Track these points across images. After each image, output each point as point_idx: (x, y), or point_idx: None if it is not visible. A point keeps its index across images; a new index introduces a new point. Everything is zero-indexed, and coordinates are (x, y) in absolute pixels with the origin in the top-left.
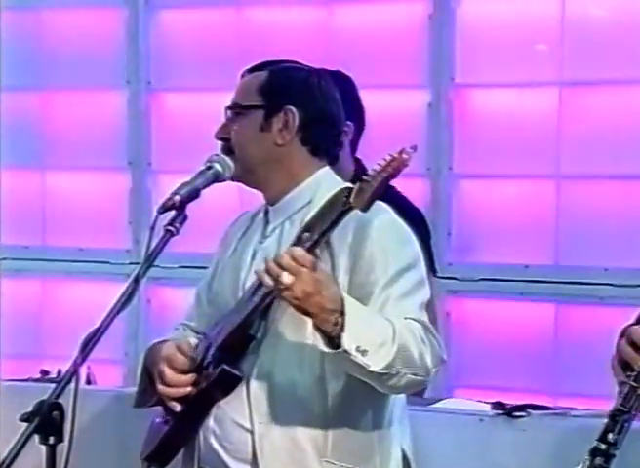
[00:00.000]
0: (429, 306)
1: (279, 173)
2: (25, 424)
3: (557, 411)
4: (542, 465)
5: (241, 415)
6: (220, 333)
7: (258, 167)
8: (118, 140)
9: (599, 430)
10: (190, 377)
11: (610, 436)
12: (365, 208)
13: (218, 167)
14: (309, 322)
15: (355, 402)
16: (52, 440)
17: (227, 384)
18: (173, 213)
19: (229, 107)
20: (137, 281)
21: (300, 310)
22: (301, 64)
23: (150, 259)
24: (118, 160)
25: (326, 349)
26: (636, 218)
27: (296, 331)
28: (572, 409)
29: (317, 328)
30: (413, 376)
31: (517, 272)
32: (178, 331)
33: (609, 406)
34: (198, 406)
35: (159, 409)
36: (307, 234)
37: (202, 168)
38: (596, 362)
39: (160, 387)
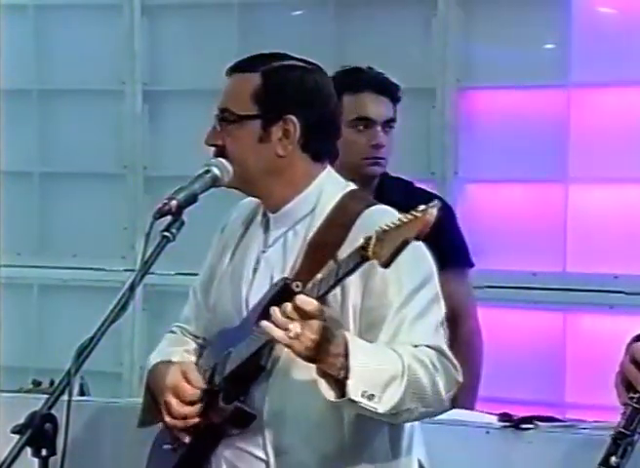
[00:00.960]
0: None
1: (280, 182)
2: (17, 436)
3: (565, 424)
4: None
5: (255, 446)
6: (226, 359)
7: (257, 178)
8: (114, 144)
9: (607, 444)
10: (198, 408)
11: (612, 459)
12: (385, 265)
13: (216, 171)
14: None
15: (372, 428)
16: (44, 452)
17: (241, 422)
18: (169, 218)
19: (221, 112)
20: (132, 289)
21: (306, 358)
22: (293, 59)
23: (146, 266)
24: (114, 164)
25: (332, 398)
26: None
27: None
28: (581, 421)
29: (321, 373)
30: (425, 409)
31: (524, 279)
32: (175, 337)
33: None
34: (209, 438)
35: (162, 430)
36: (319, 277)
37: (200, 172)
38: (606, 372)
39: (167, 419)
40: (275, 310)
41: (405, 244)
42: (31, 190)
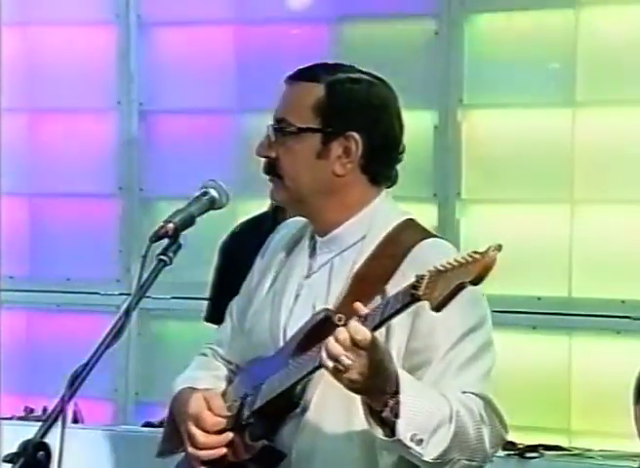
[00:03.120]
0: None
1: (333, 203)
2: (9, 465)
3: (572, 452)
4: None
5: None
6: (257, 391)
7: (310, 197)
8: (108, 165)
9: None
10: (223, 438)
11: None
12: (437, 308)
13: (214, 193)
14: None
15: None
16: None
17: (269, 461)
18: (166, 241)
19: (277, 122)
20: (128, 313)
21: (353, 390)
22: (360, 72)
23: (142, 290)
24: (108, 185)
25: (380, 436)
26: None
27: (342, 398)
28: (588, 449)
29: (368, 408)
30: (468, 462)
31: (529, 303)
32: (205, 360)
33: (628, 446)
34: None
35: (181, 463)
36: (366, 312)
37: (197, 194)
38: (613, 398)
39: (190, 450)
40: (329, 339)
41: (460, 288)
42: (23, 212)
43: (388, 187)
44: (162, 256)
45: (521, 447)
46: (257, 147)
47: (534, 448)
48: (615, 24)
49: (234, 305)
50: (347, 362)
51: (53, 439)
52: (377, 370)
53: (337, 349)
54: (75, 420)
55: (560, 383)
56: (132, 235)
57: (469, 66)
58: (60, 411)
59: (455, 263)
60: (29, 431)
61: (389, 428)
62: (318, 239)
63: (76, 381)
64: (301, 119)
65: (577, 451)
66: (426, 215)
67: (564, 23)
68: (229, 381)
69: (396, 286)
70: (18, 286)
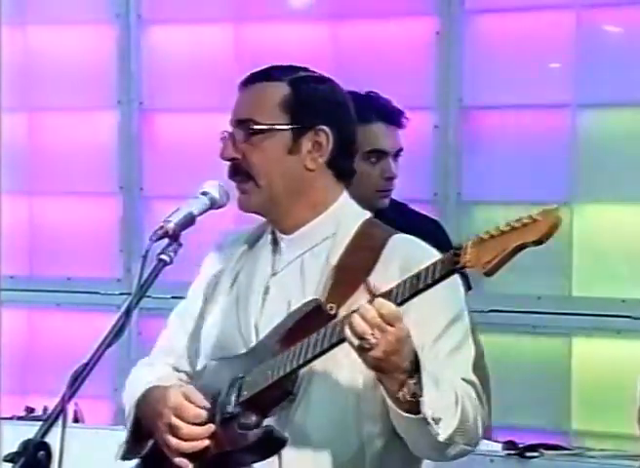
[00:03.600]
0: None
1: (302, 201)
2: (10, 465)
3: (572, 452)
4: None
5: None
6: (237, 385)
7: (283, 197)
8: (109, 164)
9: None
10: (206, 429)
11: None
12: (489, 273)
13: (214, 193)
14: (344, 378)
15: (394, 464)
16: None
17: (269, 449)
18: (166, 240)
19: (241, 122)
20: (128, 313)
21: (375, 368)
22: (315, 72)
23: (143, 290)
24: (109, 185)
25: (405, 414)
26: None
27: (331, 388)
28: (588, 449)
29: (385, 388)
30: (465, 446)
31: (529, 303)
32: (154, 368)
33: (628, 446)
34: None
35: (147, 462)
36: (396, 289)
37: (198, 194)
38: (613, 398)
39: (174, 441)
40: (355, 316)
41: (520, 249)
42: (24, 211)
43: (346, 185)
44: (162, 256)
45: (521, 446)
46: (221, 151)
47: (534, 447)
48: (615, 24)
49: (184, 311)
50: (373, 340)
51: (53, 438)
52: (400, 347)
53: (362, 326)
54: (76, 420)
55: (560, 383)
56: (132, 234)
57: (469, 67)
58: (60, 411)
59: (506, 228)
60: (30, 431)
61: (403, 408)
62: (283, 237)
63: (77, 381)
64: (269, 117)
65: (577, 451)
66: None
67: (565, 22)
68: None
69: (378, 277)
70: (18, 285)
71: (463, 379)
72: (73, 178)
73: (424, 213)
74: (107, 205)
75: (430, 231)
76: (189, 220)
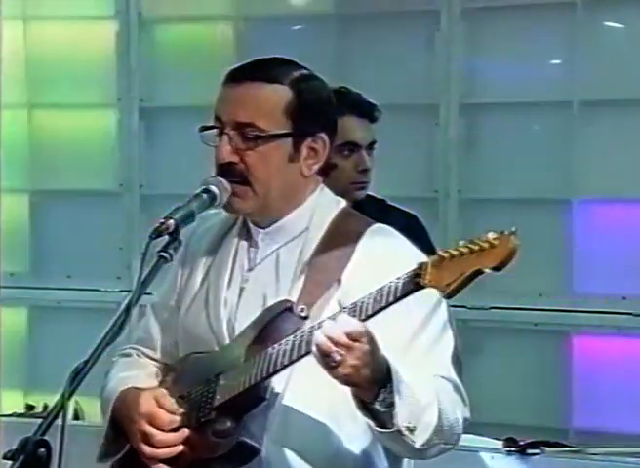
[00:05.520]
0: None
1: (287, 201)
2: (9, 463)
3: (572, 449)
4: None
5: None
6: (211, 387)
7: (276, 201)
8: (109, 162)
9: None
10: (180, 435)
11: None
12: (449, 296)
13: (214, 190)
14: (322, 379)
15: (374, 464)
16: None
17: (241, 459)
18: (166, 238)
19: (241, 126)
20: (128, 310)
21: (346, 383)
22: (302, 67)
23: (143, 287)
24: (109, 182)
25: (377, 429)
26: None
27: (307, 390)
28: (588, 446)
29: (360, 403)
30: (444, 445)
31: (531, 300)
32: (130, 360)
33: (628, 443)
34: None
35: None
36: (364, 302)
37: (198, 191)
38: (614, 395)
39: (147, 449)
40: (319, 336)
41: (478, 274)
42: (24, 209)
43: (324, 178)
44: (162, 253)
45: (522, 443)
46: (218, 153)
47: (534, 444)
48: (614, 22)
49: (156, 304)
50: (338, 357)
51: (53, 436)
52: (369, 362)
53: (327, 346)
54: (76, 417)
55: (561, 381)
56: (132, 232)
57: (469, 64)
58: (60, 408)
59: (465, 250)
60: (30, 428)
61: (377, 419)
62: (259, 231)
63: (77, 378)
64: (274, 124)
65: (577, 449)
66: (427, 212)
67: (565, 19)
68: (162, 381)
69: (353, 274)
70: (19, 283)
71: (442, 377)
72: (73, 176)
73: (403, 208)
74: (107, 202)
75: (409, 225)
76: (189, 218)
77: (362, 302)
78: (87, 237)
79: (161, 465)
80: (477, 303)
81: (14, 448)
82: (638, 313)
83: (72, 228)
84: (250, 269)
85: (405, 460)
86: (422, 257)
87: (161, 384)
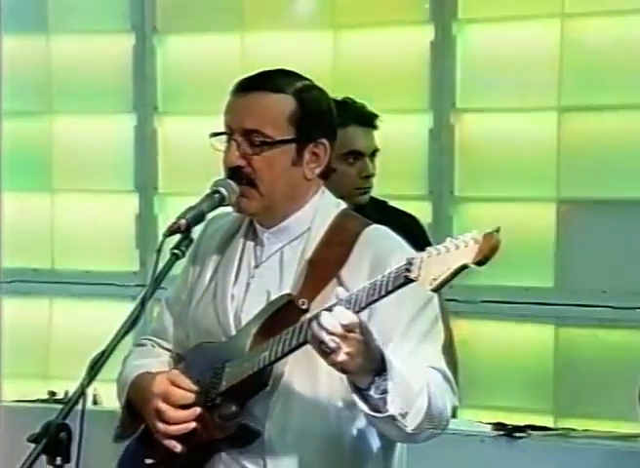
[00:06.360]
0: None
1: (291, 203)
2: (33, 445)
3: (557, 432)
4: None
5: (254, 465)
6: (218, 374)
7: (280, 202)
8: (125, 165)
9: (600, 451)
10: (192, 412)
11: None
12: (436, 289)
13: (223, 191)
14: (320, 367)
15: (369, 451)
16: (59, 460)
17: (243, 440)
18: (179, 236)
19: (248, 133)
20: (143, 303)
21: (342, 371)
22: (307, 78)
23: (157, 282)
24: (125, 184)
25: (371, 412)
26: (635, 242)
27: (307, 375)
28: (572, 429)
29: (355, 387)
30: (433, 430)
31: (518, 294)
32: (145, 349)
33: (609, 426)
34: (202, 452)
35: (138, 444)
36: (351, 294)
37: (208, 192)
38: (596, 382)
39: (161, 426)
40: (314, 325)
41: (462, 269)
42: (47, 208)
43: (325, 180)
44: (175, 250)
45: (510, 427)
46: (227, 158)
47: (521, 428)
48: (598, 34)
49: (170, 298)
50: (333, 345)
51: (74, 420)
52: (363, 351)
53: (321, 335)
54: (94, 402)
55: (547, 368)
56: (147, 230)
57: (462, 73)
58: (80, 395)
59: (451, 246)
60: (52, 413)
61: (372, 404)
62: (265, 231)
63: (95, 366)
64: (279, 131)
65: (561, 432)
66: (422, 212)
67: (550, 33)
68: (172, 366)
69: (350, 270)
70: (41, 277)
71: (432, 367)
72: (93, 178)
73: (402, 209)
74: (124, 203)
75: (408, 225)
76: (200, 217)
77: (356, 295)
78: (105, 235)
79: (172, 441)
80: (469, 297)
81: (37, 431)
82: (617, 306)
83: (91, 227)
84: (256, 266)
85: (398, 443)
86: (414, 255)
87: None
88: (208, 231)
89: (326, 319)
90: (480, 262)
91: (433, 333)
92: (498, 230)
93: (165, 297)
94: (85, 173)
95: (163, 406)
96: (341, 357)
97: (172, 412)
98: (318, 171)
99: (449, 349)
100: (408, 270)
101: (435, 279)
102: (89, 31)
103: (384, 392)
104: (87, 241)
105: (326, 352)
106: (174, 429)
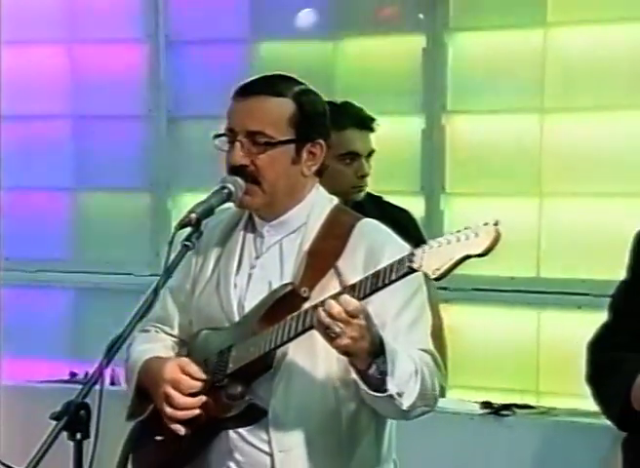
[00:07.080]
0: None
1: (290, 198)
2: (55, 422)
3: (540, 410)
4: (528, 459)
5: (259, 440)
6: (224, 358)
7: (282, 197)
8: (141, 164)
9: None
10: (199, 400)
11: None
12: (438, 278)
13: (231, 187)
14: (321, 350)
15: (365, 429)
16: (79, 436)
17: (251, 418)
18: (189, 229)
19: (252, 134)
20: (156, 291)
21: (344, 353)
22: (303, 83)
23: (169, 272)
24: (141, 181)
25: (371, 392)
26: (612, 233)
27: (309, 358)
28: (553, 408)
29: (356, 369)
30: (424, 408)
31: (504, 283)
32: (149, 335)
33: (588, 404)
34: (207, 432)
35: (146, 422)
36: (360, 281)
37: (216, 188)
38: (576, 364)
39: (169, 410)
40: (321, 311)
41: (465, 259)
42: (70, 204)
43: (319, 177)
44: (186, 242)
45: (496, 406)
46: (231, 157)
47: (507, 406)
48: (578, 42)
49: (173, 287)
50: (338, 330)
51: (93, 399)
52: (365, 335)
53: (327, 320)
54: (112, 383)
55: (530, 351)
56: (160, 224)
57: (452, 78)
58: (98, 376)
59: (452, 238)
60: (73, 392)
61: (371, 384)
62: (265, 224)
63: (112, 349)
64: (281, 132)
65: (544, 410)
66: (415, 206)
67: (534, 40)
68: (177, 353)
69: (346, 261)
70: (64, 268)
71: (422, 349)
72: (112, 176)
73: (397, 204)
74: (140, 199)
75: (402, 219)
76: (209, 211)
77: (361, 283)
78: (122, 228)
79: (178, 425)
80: (461, 286)
81: (59, 409)
82: (595, 293)
83: (110, 221)
84: (257, 257)
85: (388, 419)
86: (405, 246)
87: (177, 356)
88: (209, 225)
89: (333, 306)
90: (482, 254)
91: (423, 319)
92: (497, 223)
93: (168, 287)
94: (105, 171)
95: (172, 392)
96: (345, 341)
97: (180, 399)
98: (314, 169)
99: (439, 333)
100: (411, 260)
101: (438, 269)
102: (107, 40)
103: (383, 373)
104: (106, 234)
105: (331, 336)
106: (180, 414)
